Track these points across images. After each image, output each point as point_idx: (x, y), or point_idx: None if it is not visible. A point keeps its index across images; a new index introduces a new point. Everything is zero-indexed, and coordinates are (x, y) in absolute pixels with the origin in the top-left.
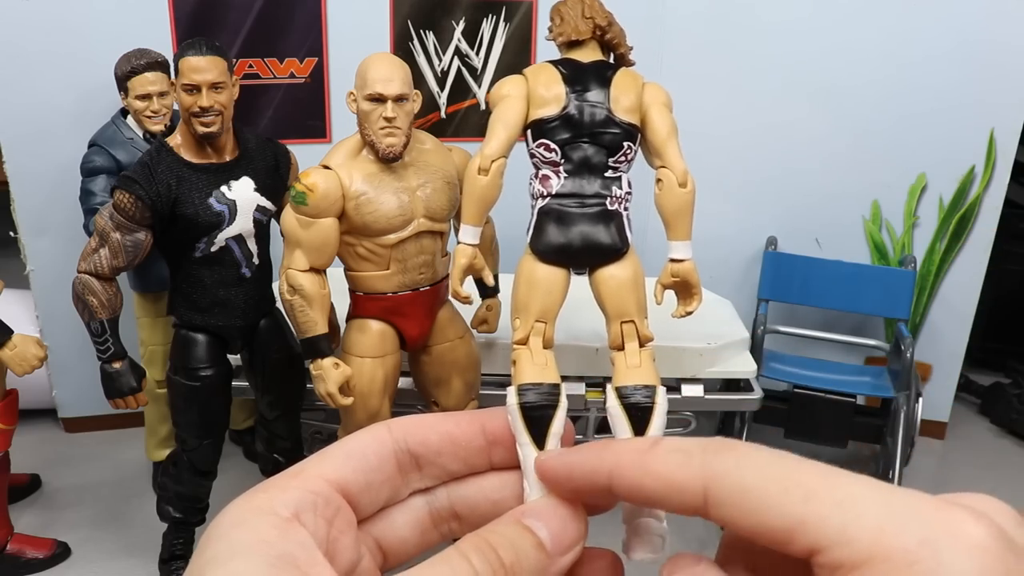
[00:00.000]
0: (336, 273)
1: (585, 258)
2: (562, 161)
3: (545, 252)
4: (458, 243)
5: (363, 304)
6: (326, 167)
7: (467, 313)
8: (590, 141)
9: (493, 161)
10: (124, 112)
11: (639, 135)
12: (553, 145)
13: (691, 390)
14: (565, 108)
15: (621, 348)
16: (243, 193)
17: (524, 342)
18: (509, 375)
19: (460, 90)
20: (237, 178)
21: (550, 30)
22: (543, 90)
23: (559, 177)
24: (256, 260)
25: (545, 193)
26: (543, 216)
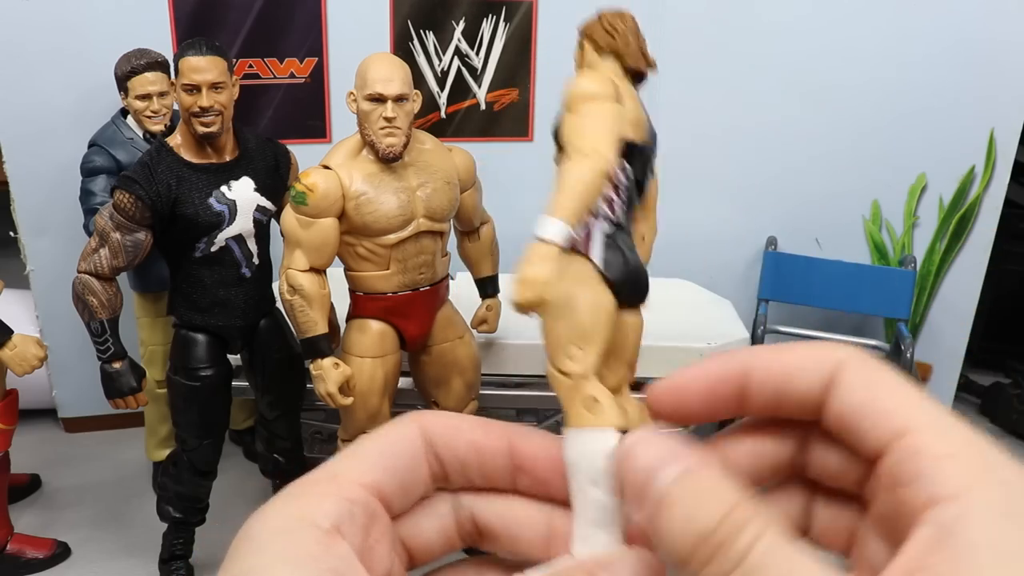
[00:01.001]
0: (336, 273)
1: (637, 300)
2: (625, 189)
3: (621, 284)
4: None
5: (363, 304)
6: (326, 167)
7: (467, 313)
8: (641, 179)
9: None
10: (124, 112)
11: None
12: (630, 173)
13: None
14: (649, 138)
15: (617, 391)
16: (243, 193)
17: (585, 376)
18: (509, 375)
19: (460, 90)
20: (237, 178)
21: (590, 35)
22: (632, 106)
23: (617, 205)
24: (256, 260)
25: (611, 219)
26: (611, 243)
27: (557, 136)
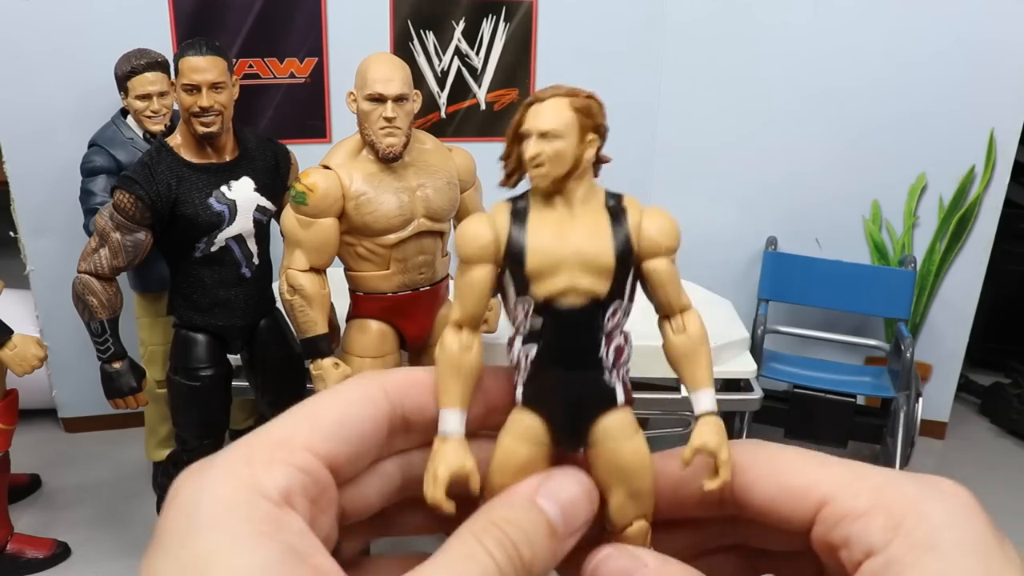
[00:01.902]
0: (336, 273)
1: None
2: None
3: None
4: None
5: (363, 304)
6: (326, 167)
7: None
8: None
9: None
10: (124, 112)
11: None
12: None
13: None
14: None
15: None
16: (243, 193)
17: None
18: None
19: (460, 90)
20: (237, 178)
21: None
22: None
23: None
24: (256, 260)
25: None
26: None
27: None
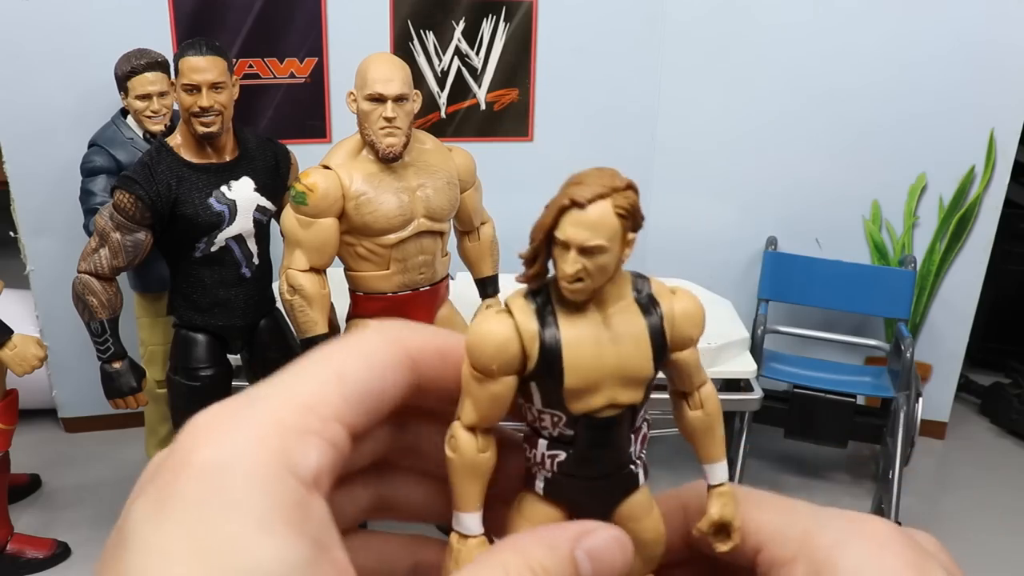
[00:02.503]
0: (336, 273)
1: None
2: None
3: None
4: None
5: (363, 304)
6: (326, 167)
7: (467, 313)
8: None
9: None
10: (124, 112)
11: None
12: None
13: None
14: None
15: None
16: (243, 193)
17: None
18: None
19: (460, 90)
20: (237, 178)
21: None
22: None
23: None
24: (256, 260)
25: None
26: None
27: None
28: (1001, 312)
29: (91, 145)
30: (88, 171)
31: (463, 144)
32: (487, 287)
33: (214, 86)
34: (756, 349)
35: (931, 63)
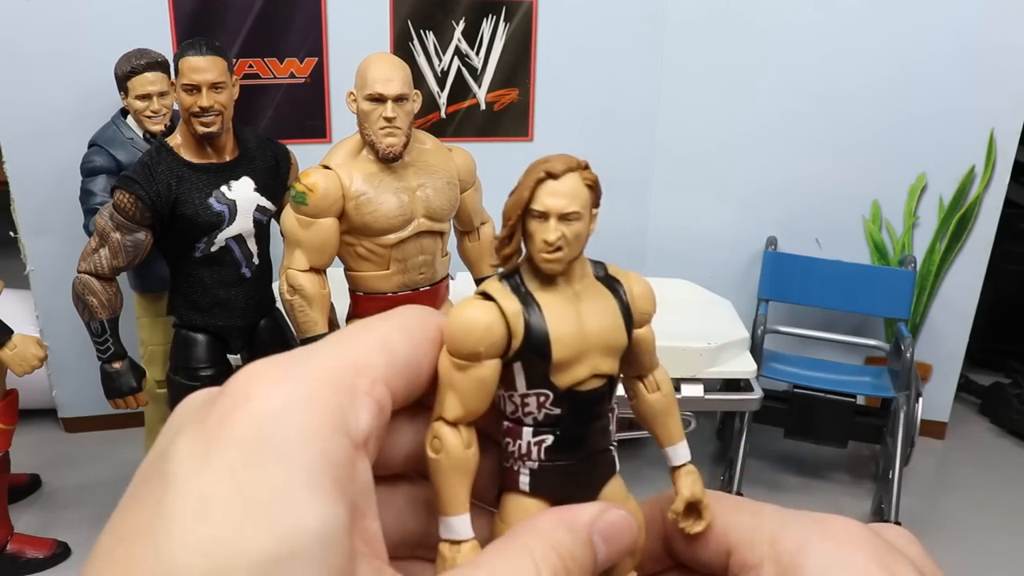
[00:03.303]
0: (336, 273)
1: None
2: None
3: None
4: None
5: (363, 304)
6: (326, 167)
7: None
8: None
9: None
10: (124, 112)
11: None
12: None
13: (691, 390)
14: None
15: None
16: (243, 193)
17: None
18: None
19: (460, 90)
20: (237, 178)
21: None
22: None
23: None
24: (256, 260)
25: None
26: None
27: None
28: (1001, 312)
29: (91, 145)
30: (88, 171)
31: (463, 144)
32: None
33: (214, 86)
34: (756, 349)
35: (931, 63)
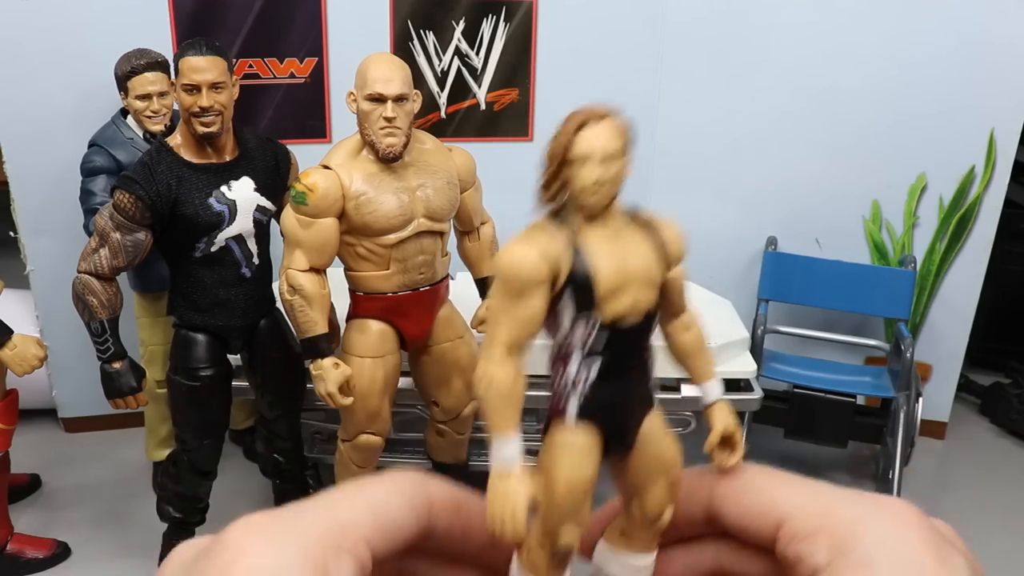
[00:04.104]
0: (336, 273)
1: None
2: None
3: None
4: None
5: (363, 304)
6: (326, 167)
7: (467, 313)
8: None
9: None
10: (124, 112)
11: None
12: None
13: (691, 390)
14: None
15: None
16: (243, 193)
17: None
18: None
19: (460, 90)
20: (237, 178)
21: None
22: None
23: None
24: (256, 260)
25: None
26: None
27: None
28: (1001, 312)
29: (91, 145)
30: (88, 171)
31: (463, 144)
32: (487, 287)
33: (214, 86)
34: (756, 349)
35: (931, 63)
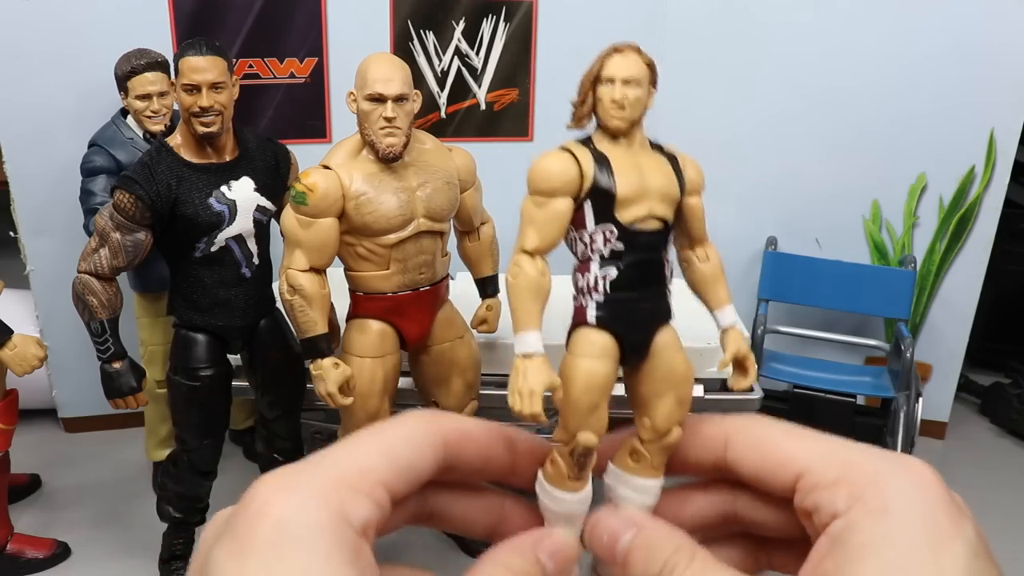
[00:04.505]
0: (336, 273)
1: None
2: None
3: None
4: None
5: (363, 304)
6: (326, 167)
7: (467, 313)
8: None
9: None
10: (124, 112)
11: None
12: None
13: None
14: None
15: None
16: (243, 193)
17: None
18: (509, 375)
19: (460, 90)
20: (237, 178)
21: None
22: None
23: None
24: (256, 260)
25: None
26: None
27: None
28: (1001, 312)
29: (91, 145)
30: (88, 171)
31: (463, 144)
32: (487, 287)
33: (214, 86)
34: (756, 349)
35: (931, 63)
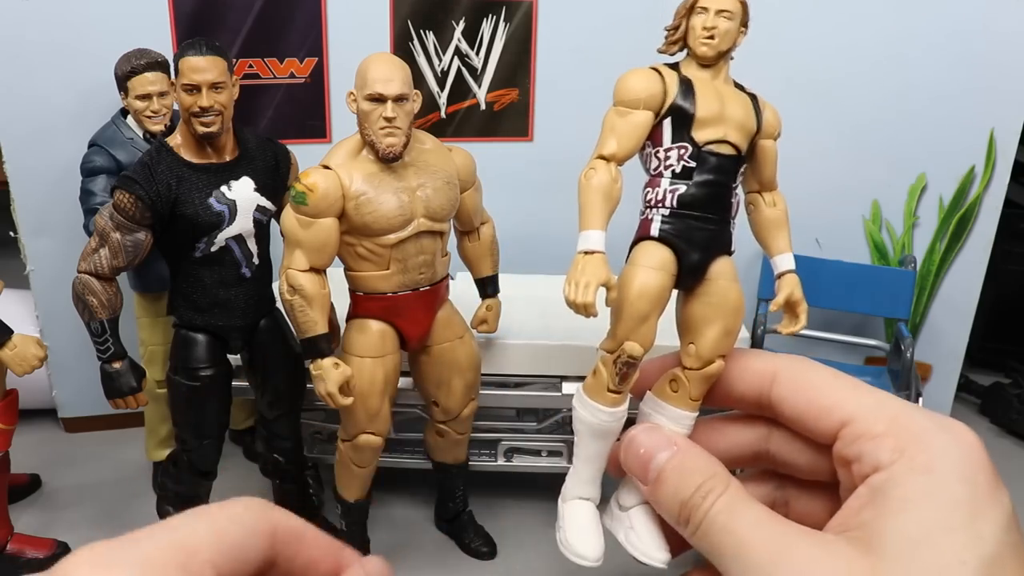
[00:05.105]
0: (336, 273)
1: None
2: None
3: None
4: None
5: (363, 304)
6: (326, 167)
7: (467, 313)
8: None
9: None
10: (124, 112)
11: None
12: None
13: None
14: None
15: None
16: (243, 193)
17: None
18: (509, 375)
19: (460, 90)
20: (237, 178)
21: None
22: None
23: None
24: (256, 260)
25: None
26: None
27: None
28: (1001, 312)
29: (91, 145)
30: (88, 171)
31: (463, 144)
32: (487, 287)
33: (214, 86)
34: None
35: (931, 62)
